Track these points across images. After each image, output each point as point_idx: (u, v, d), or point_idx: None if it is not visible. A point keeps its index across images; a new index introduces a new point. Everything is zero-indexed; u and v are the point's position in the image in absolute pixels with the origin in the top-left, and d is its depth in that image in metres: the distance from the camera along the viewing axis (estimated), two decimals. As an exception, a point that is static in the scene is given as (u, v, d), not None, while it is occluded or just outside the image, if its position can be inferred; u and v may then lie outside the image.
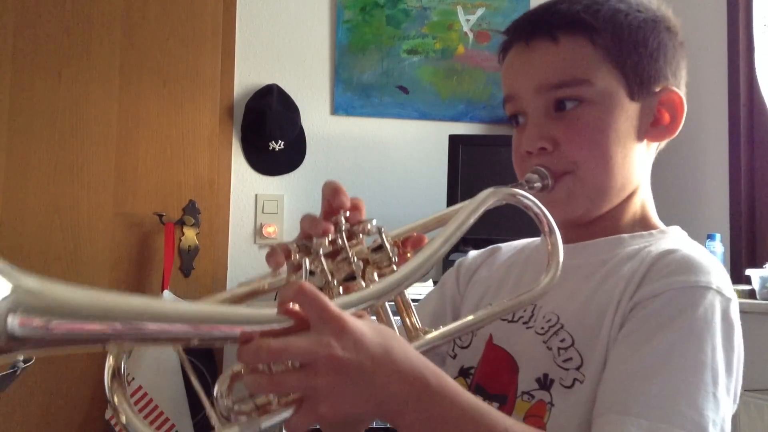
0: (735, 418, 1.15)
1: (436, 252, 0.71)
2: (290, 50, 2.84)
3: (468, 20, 2.94)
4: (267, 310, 0.60)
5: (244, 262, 2.77)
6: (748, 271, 2.02)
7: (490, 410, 0.67)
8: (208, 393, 0.69)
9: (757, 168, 2.39)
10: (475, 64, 2.93)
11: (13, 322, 0.49)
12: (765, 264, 2.03)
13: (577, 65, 0.82)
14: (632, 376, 0.71)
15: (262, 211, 2.78)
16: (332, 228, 0.72)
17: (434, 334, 0.73)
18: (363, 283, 0.70)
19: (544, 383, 0.79)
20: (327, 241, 0.71)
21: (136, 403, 2.31)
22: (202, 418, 2.43)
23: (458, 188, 2.50)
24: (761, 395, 1.74)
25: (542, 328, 0.82)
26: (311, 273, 0.69)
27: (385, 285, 0.67)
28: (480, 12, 2.94)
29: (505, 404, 0.82)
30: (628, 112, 0.84)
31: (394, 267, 0.72)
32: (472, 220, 0.75)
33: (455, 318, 0.95)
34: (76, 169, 2.66)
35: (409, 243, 0.79)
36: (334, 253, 0.72)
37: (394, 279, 0.68)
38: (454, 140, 2.57)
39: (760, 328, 1.90)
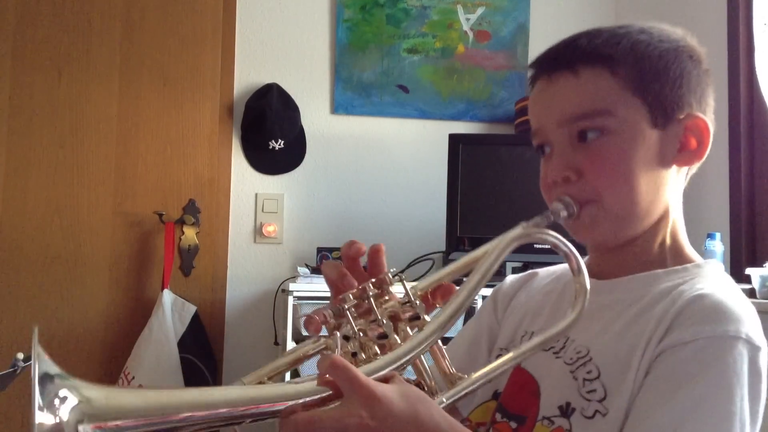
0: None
1: (465, 301, 0.74)
2: (290, 49, 2.84)
3: (468, 19, 2.94)
4: (308, 383, 0.67)
5: (244, 261, 2.77)
6: (748, 270, 2.02)
7: None
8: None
9: (757, 167, 2.39)
10: (475, 63, 2.93)
11: (85, 430, 0.57)
12: (765, 263, 2.03)
13: (598, 96, 0.84)
14: (662, 425, 0.73)
15: (262, 210, 2.78)
16: (355, 284, 0.78)
17: (465, 382, 0.76)
18: (397, 339, 0.74)
19: (566, 411, 0.81)
20: (352, 300, 0.76)
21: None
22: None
23: (458, 187, 2.50)
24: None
25: (571, 358, 0.84)
26: (346, 338, 0.74)
27: (414, 343, 0.71)
28: (480, 11, 2.94)
29: (524, 425, 0.84)
30: (651, 139, 0.85)
31: (426, 318, 0.75)
32: (497, 265, 0.77)
33: (490, 345, 0.99)
34: (76, 168, 2.66)
35: (438, 293, 0.82)
36: (367, 312, 0.76)
37: (421, 337, 0.72)
38: (454, 139, 2.57)
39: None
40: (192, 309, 2.58)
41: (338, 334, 0.73)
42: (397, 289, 0.79)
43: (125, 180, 2.69)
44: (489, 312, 1.02)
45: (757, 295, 1.94)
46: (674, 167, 0.87)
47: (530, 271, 1.04)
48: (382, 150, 2.87)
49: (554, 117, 0.86)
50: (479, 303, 1.05)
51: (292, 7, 2.85)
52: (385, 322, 0.74)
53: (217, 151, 2.76)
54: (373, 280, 0.78)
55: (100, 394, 0.61)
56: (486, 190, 2.52)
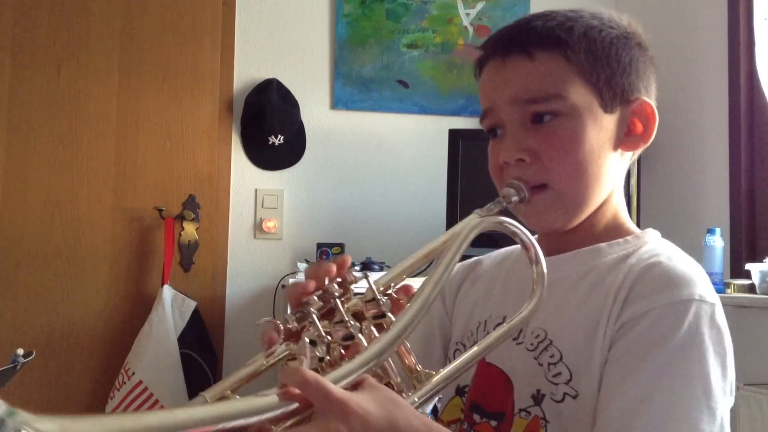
0: (734, 413, 1.15)
1: (428, 298, 0.72)
2: (290, 44, 2.83)
3: (468, 14, 2.93)
4: (270, 397, 0.63)
5: (244, 256, 2.77)
6: (748, 266, 2.02)
7: None
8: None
9: (757, 162, 2.39)
10: (475, 58, 2.92)
11: None
12: (765, 258, 2.03)
13: (552, 80, 0.84)
14: (629, 399, 0.74)
15: (262, 206, 2.78)
16: (313, 283, 0.74)
17: (436, 378, 0.75)
18: (363, 339, 0.72)
19: (537, 399, 0.81)
20: (317, 301, 0.73)
21: (136, 398, 2.32)
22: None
23: (458, 183, 2.50)
24: (761, 389, 1.74)
25: (531, 344, 0.84)
26: (312, 342, 0.71)
27: (381, 345, 0.69)
28: (480, 6, 2.94)
29: (503, 422, 0.84)
30: (603, 123, 0.86)
31: (391, 317, 0.73)
32: (458, 257, 0.76)
33: (445, 340, 0.98)
34: (76, 164, 2.66)
35: (400, 291, 0.80)
36: (329, 313, 0.74)
37: (391, 336, 0.70)
38: (454, 134, 2.57)
39: (760, 323, 1.90)
40: (192, 304, 2.58)
41: (307, 341, 0.70)
42: (361, 285, 0.77)
43: (125, 175, 2.69)
44: (438, 305, 1.01)
45: (757, 291, 1.94)
46: (619, 151, 0.88)
47: (474, 258, 1.03)
48: (382, 145, 2.87)
49: (507, 96, 0.86)
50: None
51: (292, 2, 2.84)
52: (351, 323, 0.72)
53: (216, 146, 2.76)
54: (339, 280, 0.76)
55: (54, 426, 0.55)
56: (486, 185, 2.50)
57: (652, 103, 0.89)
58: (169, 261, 2.60)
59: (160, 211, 2.65)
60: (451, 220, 2.48)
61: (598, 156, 0.85)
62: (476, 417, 0.87)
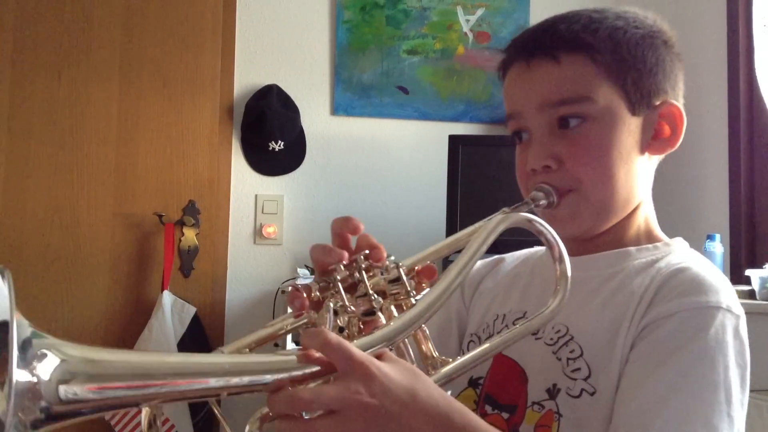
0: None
1: (452, 283, 0.72)
2: (290, 50, 2.84)
3: (468, 20, 2.94)
4: (291, 356, 0.64)
5: (244, 262, 2.77)
6: (748, 272, 2.02)
7: None
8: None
9: (756, 168, 2.39)
10: (475, 64, 2.93)
11: (67, 391, 0.54)
12: (765, 264, 2.02)
13: (579, 83, 0.84)
14: (650, 398, 0.73)
15: (262, 212, 2.78)
16: (346, 255, 0.74)
17: (451, 366, 0.74)
18: (382, 317, 0.72)
19: (552, 393, 0.81)
20: (343, 271, 0.74)
21: (135, 403, 2.32)
22: (202, 418, 2.43)
23: (458, 189, 2.50)
24: (760, 395, 1.73)
25: (551, 339, 0.84)
26: (334, 312, 0.71)
27: (404, 322, 0.69)
28: (480, 12, 2.94)
29: (515, 414, 0.84)
30: (630, 127, 0.85)
31: (413, 300, 0.74)
32: (485, 248, 0.76)
33: (461, 331, 0.98)
34: (76, 169, 2.66)
35: (422, 273, 0.80)
36: (352, 286, 0.74)
37: (413, 314, 0.70)
38: (454, 140, 2.57)
39: (760, 329, 1.90)
40: (192, 310, 2.58)
41: (331, 306, 0.71)
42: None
43: (125, 181, 2.69)
44: (456, 297, 1.01)
45: (757, 297, 1.94)
46: (647, 155, 0.87)
47: (497, 256, 1.03)
48: (382, 151, 2.87)
49: (534, 102, 0.85)
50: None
51: (292, 9, 2.85)
52: (374, 297, 0.73)
53: (216, 152, 2.76)
54: (367, 252, 0.76)
55: (77, 352, 0.57)
56: (486, 191, 2.52)
57: (680, 104, 0.88)
58: (169, 266, 2.60)
59: (160, 216, 2.65)
60: (451, 226, 2.48)
61: (626, 160, 0.84)
62: (488, 408, 0.87)
